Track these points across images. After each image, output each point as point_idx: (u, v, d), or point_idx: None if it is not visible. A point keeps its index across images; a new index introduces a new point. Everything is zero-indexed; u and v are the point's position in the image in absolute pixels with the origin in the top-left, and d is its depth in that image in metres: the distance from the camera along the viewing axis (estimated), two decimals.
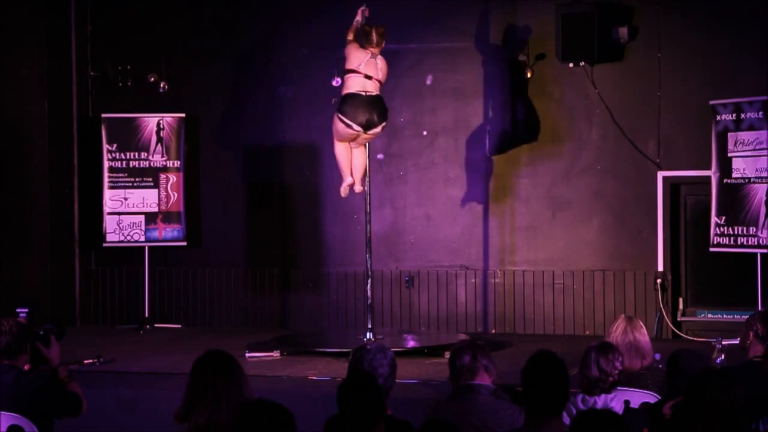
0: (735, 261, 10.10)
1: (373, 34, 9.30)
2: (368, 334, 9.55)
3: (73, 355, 8.81)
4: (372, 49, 9.31)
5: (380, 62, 9.37)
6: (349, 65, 9.32)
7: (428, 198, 11.29)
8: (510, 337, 10.36)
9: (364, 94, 9.24)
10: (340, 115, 9.27)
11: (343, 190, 9.67)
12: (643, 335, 6.00)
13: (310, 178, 11.57)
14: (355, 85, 9.26)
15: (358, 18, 9.56)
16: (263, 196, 11.79)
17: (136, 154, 11.52)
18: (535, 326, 10.92)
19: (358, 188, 9.61)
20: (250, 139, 11.76)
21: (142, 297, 11.55)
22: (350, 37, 9.48)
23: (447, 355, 9.00)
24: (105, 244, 11.51)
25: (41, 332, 5.48)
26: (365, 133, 9.32)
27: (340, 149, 9.53)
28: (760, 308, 9.49)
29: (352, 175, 9.56)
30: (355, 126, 9.26)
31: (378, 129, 9.36)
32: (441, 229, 11.23)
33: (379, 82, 9.35)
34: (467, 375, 5.20)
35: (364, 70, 9.25)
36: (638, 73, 10.67)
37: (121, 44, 11.91)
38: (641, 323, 6.12)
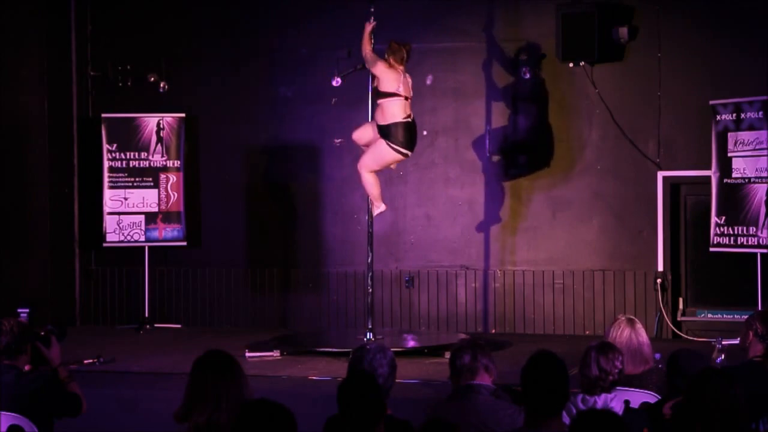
0: (735, 261, 10.10)
1: (404, 52, 9.30)
2: (368, 334, 9.55)
3: (73, 355, 8.81)
4: (401, 67, 9.32)
5: (409, 79, 9.40)
6: (387, 88, 9.24)
7: (428, 198, 11.28)
8: (510, 337, 10.36)
9: (410, 120, 9.29)
10: (394, 146, 9.27)
11: (381, 209, 9.73)
12: (645, 339, 5.99)
13: (310, 178, 11.57)
14: (398, 110, 9.23)
15: (369, 29, 9.52)
16: (263, 196, 11.78)
17: (136, 154, 11.52)
18: (535, 326, 10.92)
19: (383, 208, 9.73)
20: (250, 139, 11.76)
21: (142, 297, 11.55)
22: (368, 49, 9.40)
23: (447, 355, 9.02)
24: (105, 244, 11.52)
25: (42, 333, 5.48)
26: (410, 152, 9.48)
27: (373, 176, 9.56)
28: (760, 308, 9.50)
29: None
30: (409, 153, 9.39)
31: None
32: (441, 229, 11.24)
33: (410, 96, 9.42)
34: (467, 375, 5.20)
35: (404, 93, 9.28)
36: (638, 73, 10.67)
37: (121, 44, 11.91)
38: (640, 325, 6.11)
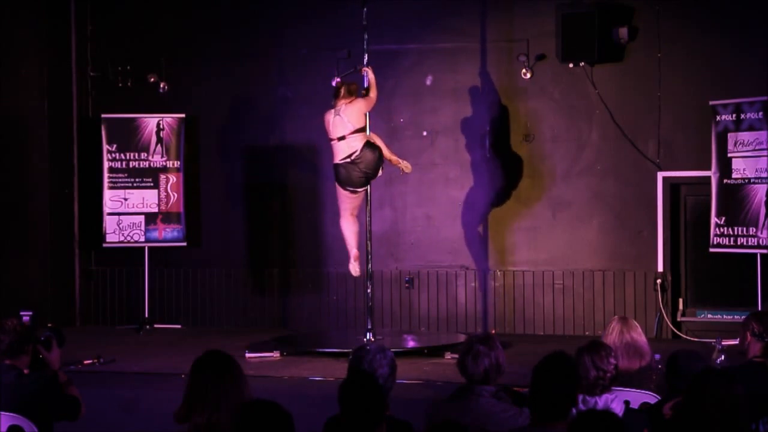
0: (735, 261, 10.10)
1: (341, 90, 9.41)
2: (368, 334, 9.55)
3: (73, 356, 8.81)
4: (336, 105, 9.40)
5: (342, 115, 9.35)
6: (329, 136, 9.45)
7: (428, 198, 11.29)
8: (510, 338, 10.34)
9: (348, 161, 9.32)
10: (338, 185, 9.48)
11: (356, 268, 9.77)
12: (639, 334, 6.00)
13: (310, 178, 11.57)
14: (335, 152, 9.40)
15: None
16: (263, 196, 11.78)
17: (136, 154, 11.52)
18: (535, 326, 10.93)
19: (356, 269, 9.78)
20: (250, 139, 11.76)
21: (142, 297, 11.56)
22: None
23: (447, 355, 9.05)
24: (105, 245, 11.52)
25: (42, 338, 5.48)
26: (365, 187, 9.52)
27: (349, 222, 9.68)
28: (759, 309, 9.50)
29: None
30: (359, 189, 9.45)
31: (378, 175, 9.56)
32: (441, 229, 11.23)
33: (355, 128, 9.36)
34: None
35: (332, 135, 9.36)
36: (638, 73, 10.67)
37: (121, 44, 11.91)
38: (635, 323, 6.11)
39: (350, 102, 9.37)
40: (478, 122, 11.12)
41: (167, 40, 11.87)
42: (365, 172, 9.34)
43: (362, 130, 9.38)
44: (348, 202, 9.60)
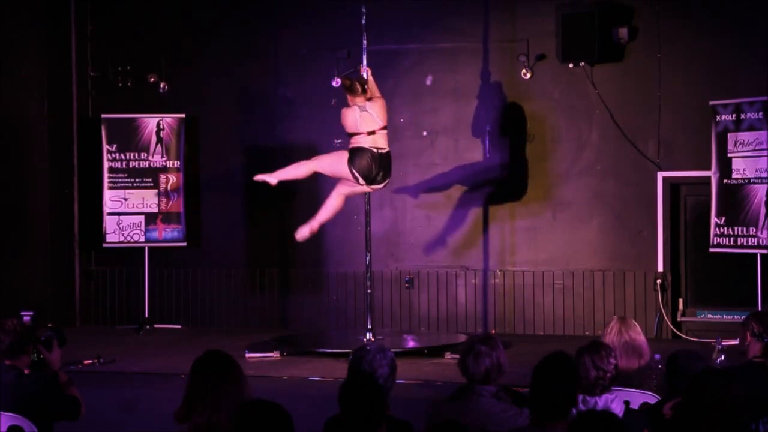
0: (735, 261, 10.10)
1: (355, 85, 9.30)
2: (368, 334, 9.55)
3: (74, 356, 8.81)
4: (359, 101, 9.28)
5: (371, 112, 9.28)
6: (349, 130, 9.32)
7: (428, 198, 11.28)
8: (510, 338, 10.34)
9: (375, 151, 9.24)
10: (352, 168, 9.26)
11: (303, 234, 9.62)
12: (638, 334, 6.00)
13: (310, 178, 11.53)
14: (363, 142, 9.26)
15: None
16: (263, 196, 11.77)
17: (136, 154, 11.52)
18: (535, 326, 10.93)
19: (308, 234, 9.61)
20: (250, 139, 11.76)
21: (141, 297, 11.56)
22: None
23: (447, 355, 9.05)
24: (105, 245, 11.52)
25: (43, 338, 5.48)
26: (366, 185, 9.35)
27: (339, 201, 9.55)
28: (759, 309, 9.50)
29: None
30: (360, 180, 9.31)
31: (379, 186, 9.40)
32: (441, 229, 11.23)
33: (384, 124, 9.31)
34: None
35: (363, 129, 9.26)
36: (638, 73, 10.67)
37: (121, 44, 11.92)
38: (634, 322, 6.12)
39: (371, 100, 9.34)
40: (478, 122, 11.12)
41: (167, 40, 11.87)
42: (381, 166, 9.28)
43: (386, 128, 9.37)
44: (346, 181, 9.47)
